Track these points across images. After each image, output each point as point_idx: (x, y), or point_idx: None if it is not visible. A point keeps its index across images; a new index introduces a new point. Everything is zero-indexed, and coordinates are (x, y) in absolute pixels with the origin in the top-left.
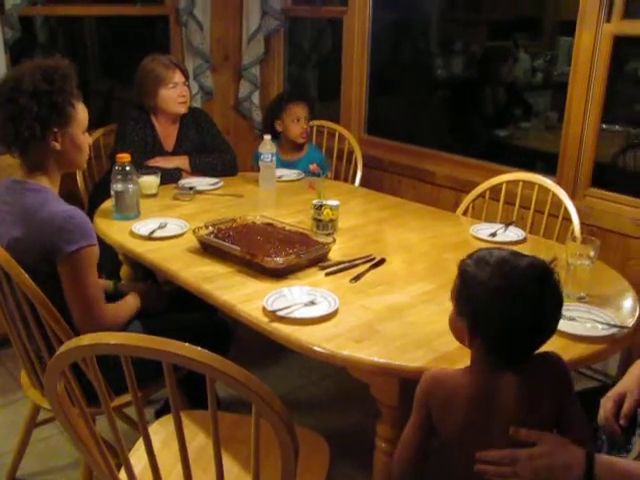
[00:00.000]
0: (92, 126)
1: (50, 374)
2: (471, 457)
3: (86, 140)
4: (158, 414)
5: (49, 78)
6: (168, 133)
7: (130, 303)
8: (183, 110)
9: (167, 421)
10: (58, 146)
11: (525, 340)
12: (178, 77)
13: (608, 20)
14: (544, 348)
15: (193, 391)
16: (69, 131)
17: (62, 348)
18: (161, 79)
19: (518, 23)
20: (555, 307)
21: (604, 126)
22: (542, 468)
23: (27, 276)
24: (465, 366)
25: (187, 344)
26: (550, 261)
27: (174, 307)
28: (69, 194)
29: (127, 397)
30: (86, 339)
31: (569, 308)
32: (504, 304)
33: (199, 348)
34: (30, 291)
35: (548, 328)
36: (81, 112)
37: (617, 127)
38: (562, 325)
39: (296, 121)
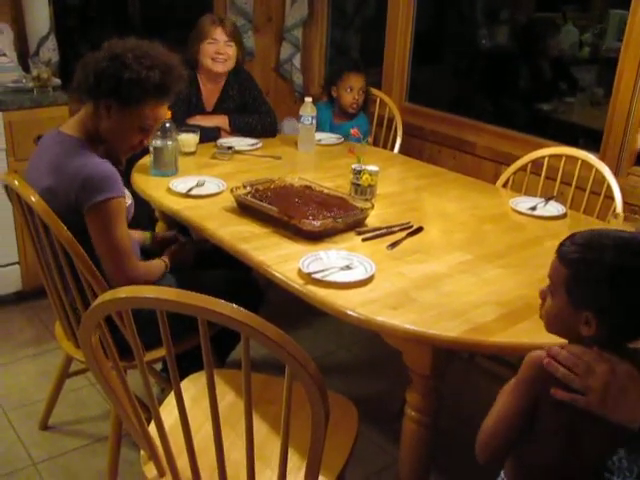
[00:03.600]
0: None
1: (86, 325)
2: (572, 452)
3: (136, 139)
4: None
5: (139, 58)
6: (211, 92)
7: (159, 267)
8: (218, 68)
9: (196, 378)
10: (105, 116)
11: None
12: (219, 34)
13: None
14: None
15: (218, 349)
16: (123, 113)
17: (98, 300)
18: (203, 33)
19: None
20: None
21: None
22: (614, 390)
23: (64, 227)
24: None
25: (222, 301)
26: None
27: (208, 264)
28: (106, 148)
29: (157, 353)
30: (123, 292)
31: None
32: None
33: (235, 306)
34: (67, 242)
35: None
36: (149, 110)
37: None
38: None
39: (349, 90)
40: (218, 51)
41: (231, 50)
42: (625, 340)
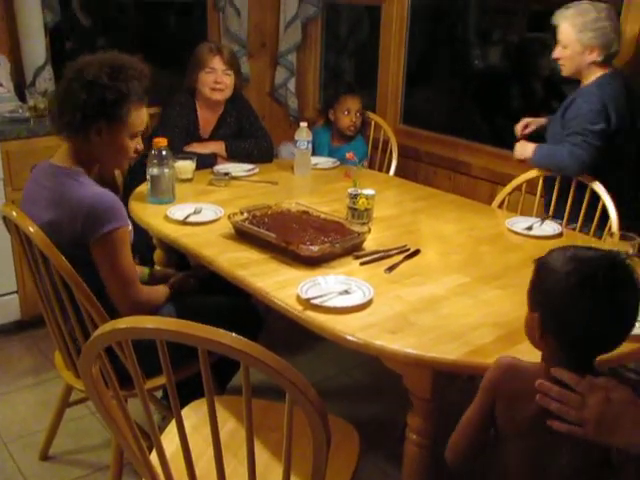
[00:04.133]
0: None
1: (86, 356)
2: (529, 454)
3: (133, 145)
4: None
5: (113, 74)
6: (208, 119)
7: (162, 293)
8: (216, 96)
9: (197, 406)
10: (98, 140)
11: (596, 334)
12: (217, 63)
13: None
14: None
15: (219, 376)
16: (114, 130)
17: (99, 331)
18: (201, 62)
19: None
20: (629, 303)
21: None
22: (609, 418)
23: (64, 258)
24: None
25: (222, 330)
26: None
27: (207, 291)
28: (104, 177)
29: (157, 380)
30: (123, 322)
31: None
32: (574, 292)
33: (234, 334)
34: (67, 273)
35: (622, 327)
36: (134, 118)
37: None
38: None
39: (346, 113)
40: (216, 80)
41: (229, 79)
42: (574, 354)
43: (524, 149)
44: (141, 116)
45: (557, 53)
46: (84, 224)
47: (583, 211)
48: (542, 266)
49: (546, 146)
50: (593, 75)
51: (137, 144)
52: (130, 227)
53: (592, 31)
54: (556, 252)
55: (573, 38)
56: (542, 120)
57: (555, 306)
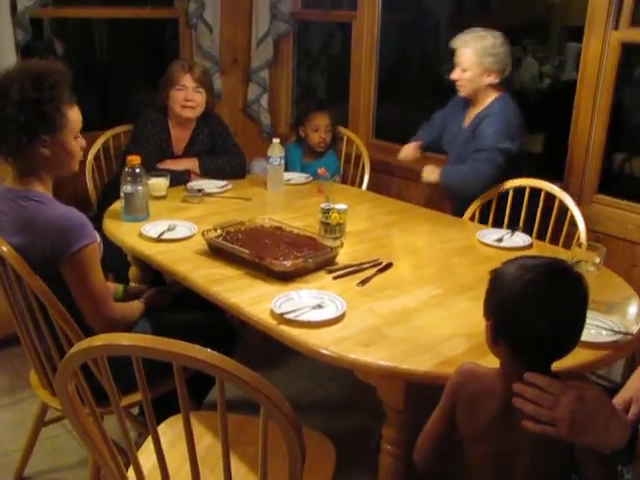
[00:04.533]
0: (100, 128)
1: (62, 374)
2: (491, 456)
3: (78, 144)
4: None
5: (38, 86)
6: (180, 137)
7: (136, 309)
8: (186, 114)
9: (173, 422)
10: (47, 152)
11: (543, 338)
12: (188, 80)
13: (616, 27)
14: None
15: (195, 391)
16: (59, 138)
17: (74, 348)
18: (172, 80)
19: (526, 28)
20: (572, 307)
21: None
22: (581, 416)
23: (37, 276)
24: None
25: (197, 346)
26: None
27: (181, 307)
28: (78, 195)
29: (134, 397)
30: (98, 340)
31: None
32: (519, 297)
33: (209, 350)
34: (41, 292)
35: (566, 330)
36: (73, 118)
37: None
38: None
39: (315, 130)
40: (186, 97)
41: (199, 97)
42: (523, 360)
43: (432, 172)
44: (77, 115)
45: (456, 75)
46: (54, 244)
47: (552, 223)
48: (495, 276)
49: (451, 167)
50: (489, 97)
51: (81, 142)
52: (99, 240)
53: (491, 56)
54: (508, 262)
55: (474, 62)
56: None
57: (504, 312)
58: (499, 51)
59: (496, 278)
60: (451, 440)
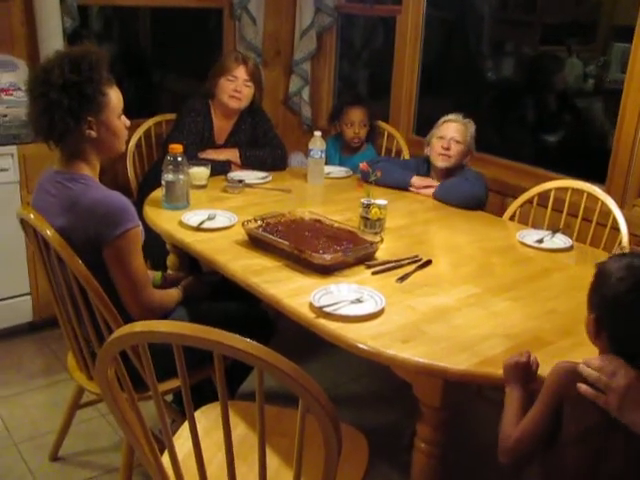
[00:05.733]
0: (143, 116)
1: (102, 359)
2: (588, 457)
3: (122, 124)
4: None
5: (77, 68)
6: (223, 127)
7: (174, 296)
8: (233, 104)
9: (209, 410)
10: (94, 134)
11: None
12: (240, 72)
13: None
14: None
15: (230, 381)
16: (103, 118)
17: (115, 334)
18: (224, 68)
19: (571, 27)
20: None
21: None
22: (634, 394)
23: (80, 261)
24: None
25: (238, 336)
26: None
27: (217, 297)
28: (119, 182)
29: (168, 384)
30: (139, 326)
31: None
32: (624, 297)
33: (249, 340)
34: (83, 277)
35: None
36: (114, 97)
37: None
38: None
39: (349, 125)
40: (235, 89)
41: (248, 90)
42: (628, 354)
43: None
44: (118, 94)
45: (449, 144)
46: (97, 227)
47: (593, 225)
48: (600, 272)
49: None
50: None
51: (125, 121)
52: (141, 227)
53: (473, 139)
54: (613, 259)
55: (467, 140)
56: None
57: (608, 310)
58: (474, 138)
59: (601, 274)
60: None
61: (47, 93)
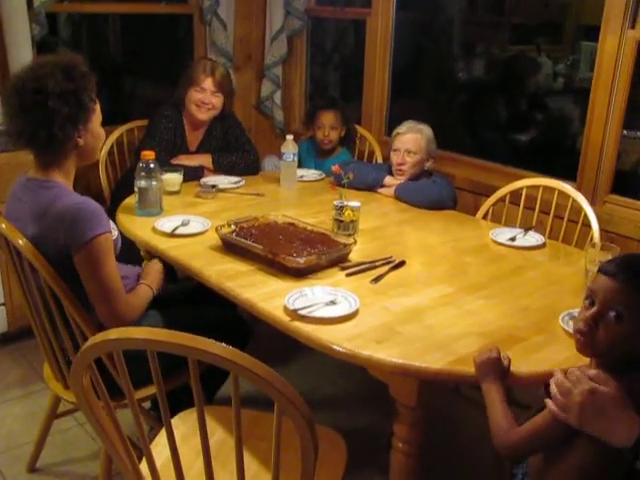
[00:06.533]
0: (114, 123)
1: (76, 367)
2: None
3: (102, 131)
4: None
5: (71, 77)
6: (194, 133)
7: (146, 292)
8: (200, 116)
9: (186, 416)
10: (82, 142)
11: None
12: (208, 84)
13: (632, 26)
14: None
15: (206, 386)
16: (91, 125)
17: (89, 342)
18: (192, 79)
19: (540, 27)
20: None
21: (625, 132)
22: (589, 409)
23: (51, 269)
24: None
25: (212, 341)
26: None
27: (193, 302)
28: (92, 190)
29: (145, 391)
30: (113, 333)
31: None
32: None
33: (225, 345)
34: (55, 284)
35: None
36: (98, 105)
37: (639, 134)
38: None
39: (321, 128)
40: (203, 100)
41: (217, 100)
42: None
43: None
44: (97, 104)
45: (402, 159)
46: (66, 234)
47: (565, 222)
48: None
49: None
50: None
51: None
52: (116, 234)
53: (433, 143)
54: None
55: (423, 147)
56: None
57: None
58: (434, 141)
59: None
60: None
61: (44, 102)
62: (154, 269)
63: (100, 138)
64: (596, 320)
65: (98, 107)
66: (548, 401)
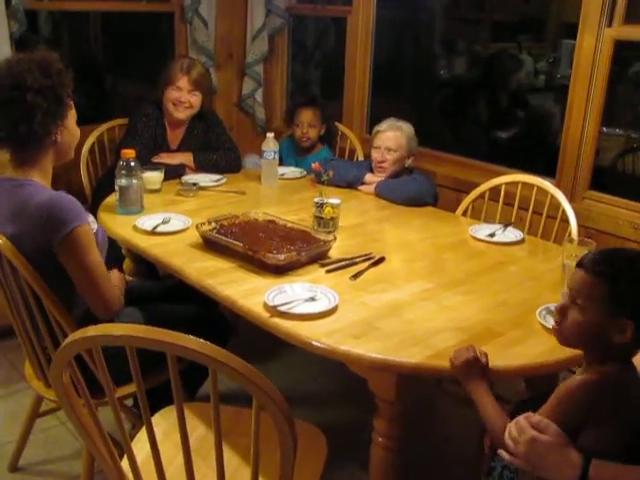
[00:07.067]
0: (96, 121)
1: (56, 364)
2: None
3: (78, 129)
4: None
5: (48, 73)
6: (175, 131)
7: (118, 276)
8: (177, 115)
9: (167, 413)
10: (59, 138)
11: None
12: (184, 83)
13: (609, 24)
14: None
15: (188, 383)
16: (67, 122)
17: (68, 339)
18: (169, 79)
19: (522, 24)
20: None
21: (604, 129)
22: (534, 456)
23: (31, 267)
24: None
25: (191, 336)
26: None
27: (175, 300)
28: (73, 189)
29: (127, 389)
30: (92, 330)
31: None
32: None
33: (202, 340)
34: (35, 282)
35: None
36: (73, 102)
37: (617, 131)
38: None
39: (299, 126)
40: (179, 99)
41: (194, 99)
42: None
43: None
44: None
45: (382, 156)
46: (45, 229)
47: (544, 218)
48: (625, 276)
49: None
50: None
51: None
52: (95, 227)
53: (414, 141)
54: (634, 261)
55: (403, 144)
56: None
57: None
58: (415, 138)
59: (629, 280)
60: None
61: (23, 97)
62: (118, 279)
63: (76, 136)
64: (565, 311)
65: (73, 104)
66: (502, 452)
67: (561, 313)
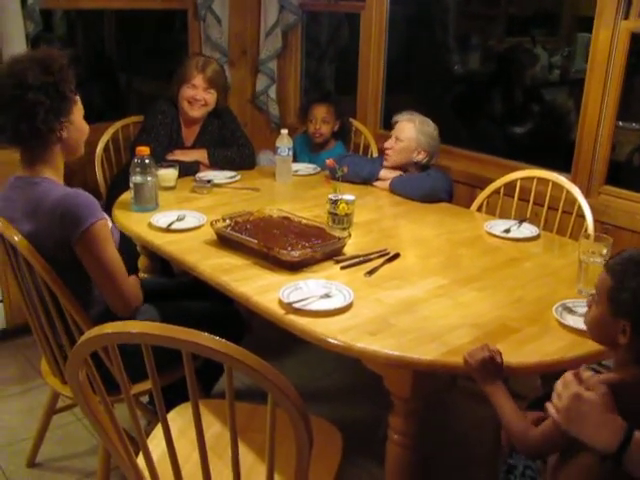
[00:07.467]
0: (110, 119)
1: (73, 362)
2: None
3: (86, 124)
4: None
5: (49, 70)
6: (190, 128)
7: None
8: (193, 112)
9: (183, 410)
10: (66, 134)
11: None
12: (199, 81)
13: (626, 17)
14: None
15: (205, 380)
16: (73, 118)
17: (85, 336)
18: (184, 76)
19: (536, 18)
20: None
21: (620, 123)
22: (574, 412)
23: (47, 265)
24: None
25: (206, 334)
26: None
27: (189, 297)
28: (89, 186)
29: (143, 385)
30: (108, 327)
31: (581, 305)
32: None
33: (218, 338)
34: (51, 280)
35: None
36: (78, 97)
37: (634, 125)
38: (573, 321)
39: (312, 121)
40: (195, 97)
41: (210, 96)
42: None
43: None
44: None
45: (389, 144)
46: (62, 225)
47: (559, 214)
48: (627, 274)
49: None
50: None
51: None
52: (110, 225)
53: (428, 137)
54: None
55: (412, 136)
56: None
57: None
58: (435, 137)
59: (631, 277)
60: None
61: (24, 95)
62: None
63: (84, 131)
64: (590, 304)
65: (79, 100)
66: (548, 404)
67: (588, 305)
